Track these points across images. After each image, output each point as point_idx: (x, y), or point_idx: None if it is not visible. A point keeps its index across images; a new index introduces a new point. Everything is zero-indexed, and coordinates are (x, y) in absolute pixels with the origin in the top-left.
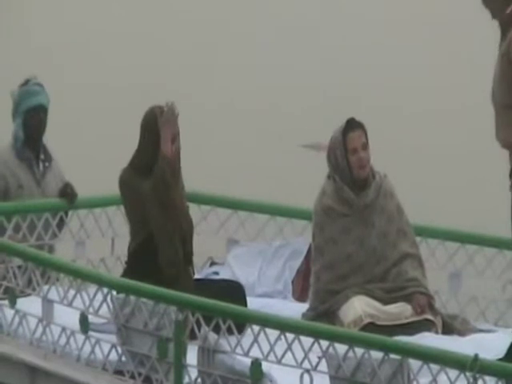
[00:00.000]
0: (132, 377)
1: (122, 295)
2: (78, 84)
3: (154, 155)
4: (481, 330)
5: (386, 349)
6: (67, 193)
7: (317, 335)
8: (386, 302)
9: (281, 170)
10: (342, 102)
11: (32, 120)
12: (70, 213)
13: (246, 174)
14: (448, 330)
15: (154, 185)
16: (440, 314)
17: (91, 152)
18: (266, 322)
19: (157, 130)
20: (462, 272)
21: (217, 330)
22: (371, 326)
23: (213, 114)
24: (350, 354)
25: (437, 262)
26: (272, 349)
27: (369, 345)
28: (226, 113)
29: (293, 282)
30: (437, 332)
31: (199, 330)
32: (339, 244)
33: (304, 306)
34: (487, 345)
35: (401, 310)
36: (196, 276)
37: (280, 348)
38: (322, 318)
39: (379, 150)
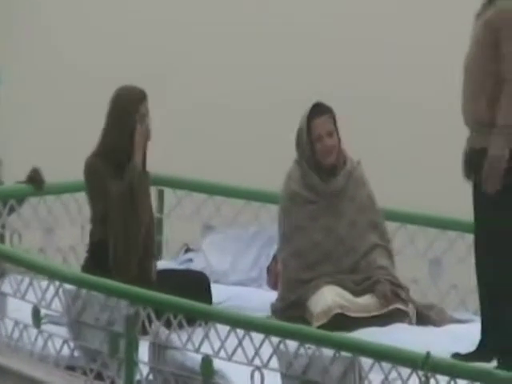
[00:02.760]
0: (84, 373)
1: (73, 288)
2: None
3: (124, 151)
4: (458, 320)
5: (337, 346)
6: (35, 179)
7: (267, 331)
8: (357, 294)
9: (257, 155)
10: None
11: None
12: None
13: (221, 159)
14: (423, 320)
15: (120, 194)
16: (414, 304)
17: (59, 137)
18: (216, 317)
19: (132, 125)
20: (443, 259)
21: (169, 324)
22: (341, 317)
23: (187, 98)
24: (302, 351)
25: (416, 249)
26: (223, 345)
27: (319, 342)
28: (202, 98)
29: (269, 268)
30: (410, 323)
31: (150, 326)
32: (306, 231)
33: (276, 295)
34: (462, 336)
35: (370, 302)
36: (170, 264)
37: (232, 344)
38: (292, 309)
39: (354, 136)
